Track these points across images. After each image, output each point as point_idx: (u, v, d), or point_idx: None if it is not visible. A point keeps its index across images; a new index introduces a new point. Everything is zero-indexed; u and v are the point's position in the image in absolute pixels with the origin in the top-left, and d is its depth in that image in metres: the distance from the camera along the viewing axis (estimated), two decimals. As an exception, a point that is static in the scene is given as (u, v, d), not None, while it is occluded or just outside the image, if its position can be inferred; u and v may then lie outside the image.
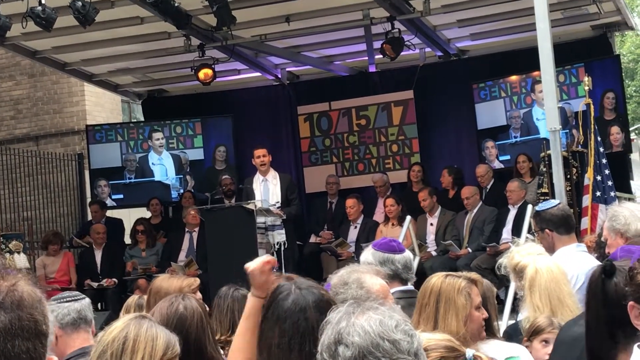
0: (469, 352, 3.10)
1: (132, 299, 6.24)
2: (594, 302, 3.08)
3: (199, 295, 4.92)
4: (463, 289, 4.01)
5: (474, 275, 4.23)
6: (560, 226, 6.06)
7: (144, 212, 15.09)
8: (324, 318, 2.97)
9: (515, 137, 13.93)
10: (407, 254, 5.15)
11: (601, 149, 10.41)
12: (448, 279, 4.08)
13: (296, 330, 3.05)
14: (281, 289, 3.20)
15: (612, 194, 10.10)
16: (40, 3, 10.86)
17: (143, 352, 3.27)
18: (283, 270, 11.07)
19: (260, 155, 12.51)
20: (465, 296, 4.00)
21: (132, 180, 15.49)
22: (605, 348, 3.00)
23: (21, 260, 13.69)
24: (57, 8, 11.03)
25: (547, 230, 6.08)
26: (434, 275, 4.22)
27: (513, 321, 6.65)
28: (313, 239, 13.78)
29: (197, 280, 5.09)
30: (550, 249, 5.87)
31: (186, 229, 13.51)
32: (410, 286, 5.17)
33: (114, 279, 13.25)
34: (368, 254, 5.13)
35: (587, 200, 9.83)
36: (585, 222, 9.32)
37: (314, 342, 3.01)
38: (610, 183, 10.20)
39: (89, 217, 15.74)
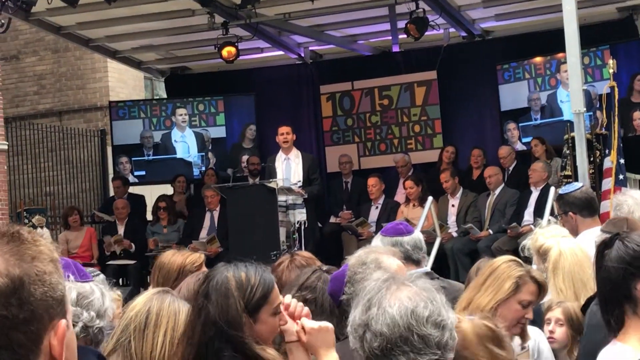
0: (466, 317, 3.15)
1: None
2: (596, 273, 3.21)
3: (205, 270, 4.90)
4: (516, 277, 4.01)
5: (538, 275, 4.21)
6: (584, 209, 6.04)
7: (166, 189, 15.12)
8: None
9: (535, 119, 13.87)
10: (416, 234, 5.13)
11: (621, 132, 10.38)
12: (511, 263, 4.10)
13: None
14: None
15: (622, 176, 10.05)
16: (65, -21, 10.88)
17: (166, 326, 3.30)
18: (303, 249, 11.09)
19: (284, 132, 12.50)
20: (513, 283, 3.99)
21: (154, 157, 15.53)
22: (615, 317, 3.08)
23: (44, 235, 13.75)
24: (82, -16, 11.05)
25: (570, 213, 6.07)
26: (504, 256, 4.29)
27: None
28: (333, 219, 13.78)
29: (202, 257, 5.02)
30: (574, 231, 5.85)
31: (207, 208, 13.52)
32: (426, 268, 5.17)
33: (132, 243, 13.34)
34: (377, 240, 5.15)
35: (609, 183, 9.78)
36: (607, 206, 9.27)
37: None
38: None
39: (111, 193, 15.80)
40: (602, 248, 3.18)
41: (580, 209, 6.05)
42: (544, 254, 5.08)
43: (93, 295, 3.36)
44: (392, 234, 5.07)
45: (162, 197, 14.13)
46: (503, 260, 4.10)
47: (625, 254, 3.09)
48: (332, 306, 3.74)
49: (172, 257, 4.99)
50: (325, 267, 4.07)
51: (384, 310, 2.32)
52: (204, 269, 4.86)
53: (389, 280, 2.40)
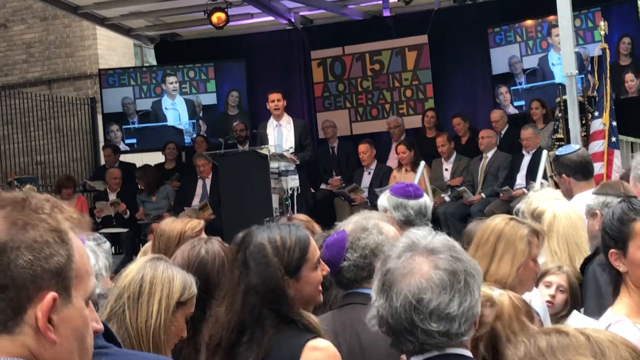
0: (496, 292, 3.13)
1: (148, 245, 6.23)
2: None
3: (203, 236, 4.88)
4: (525, 236, 3.98)
5: (537, 226, 4.18)
6: (578, 172, 6.03)
7: (157, 157, 15.08)
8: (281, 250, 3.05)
9: (520, 84, 13.84)
10: (423, 200, 5.11)
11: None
12: (512, 222, 4.04)
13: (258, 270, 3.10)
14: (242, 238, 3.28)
15: (614, 139, 10.04)
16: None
17: (160, 293, 3.28)
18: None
19: (275, 99, 12.44)
20: (526, 243, 3.97)
21: (145, 125, 15.47)
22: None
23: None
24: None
25: (564, 175, 6.06)
26: (497, 216, 4.21)
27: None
28: (323, 185, 13.76)
29: (201, 223, 5.01)
30: (568, 193, 5.85)
31: (198, 176, 13.50)
32: None
33: (125, 206, 13.36)
34: (384, 198, 5.12)
35: (602, 145, 9.77)
36: (600, 168, 9.27)
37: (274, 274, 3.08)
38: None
39: (102, 162, 15.76)
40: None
41: (574, 171, 6.04)
42: (538, 217, 5.07)
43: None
44: (399, 194, 5.04)
45: (137, 169, 14.14)
46: (503, 221, 4.04)
47: (602, 225, 3.16)
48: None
49: (172, 224, 4.97)
50: (325, 233, 4.03)
51: (391, 301, 2.30)
52: (203, 235, 4.83)
53: (408, 254, 2.34)
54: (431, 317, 2.26)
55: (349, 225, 3.86)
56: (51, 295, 1.64)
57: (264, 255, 3.16)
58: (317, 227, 4.91)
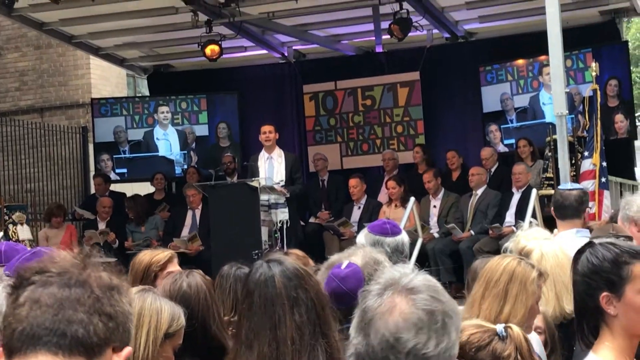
0: (499, 326, 3.15)
1: None
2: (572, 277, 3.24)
3: (177, 268, 4.84)
4: (534, 278, 4.00)
5: (542, 268, 4.21)
6: (557, 210, 6.10)
7: (147, 187, 15.10)
8: (293, 283, 3.01)
9: (511, 121, 13.93)
10: (400, 237, 5.11)
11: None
12: (523, 263, 4.04)
13: (264, 298, 3.06)
14: (252, 268, 3.22)
15: (604, 179, 10.11)
16: (49, -25, 10.84)
17: (148, 325, 3.29)
18: (285, 249, 11.08)
19: (267, 131, 12.47)
20: (536, 286, 3.99)
21: (136, 155, 15.49)
22: (588, 327, 3.14)
23: (24, 231, 13.71)
24: (66, -20, 11.01)
25: (551, 209, 6.16)
26: (504, 255, 4.20)
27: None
28: (312, 219, 13.77)
29: (168, 256, 4.92)
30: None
31: (188, 206, 13.50)
32: None
33: (114, 236, 13.38)
34: (362, 235, 5.15)
35: (593, 185, 9.83)
36: (591, 207, 9.31)
37: (282, 306, 3.04)
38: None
39: (92, 190, 15.75)
40: (575, 259, 3.21)
41: (555, 209, 6.12)
42: (525, 256, 5.08)
43: None
44: (376, 232, 5.06)
45: (126, 199, 14.14)
46: (514, 262, 4.05)
47: (587, 267, 3.12)
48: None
49: (141, 257, 4.95)
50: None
51: (368, 339, 2.30)
52: (171, 268, 4.82)
53: (388, 292, 2.34)
54: (407, 356, 2.25)
55: (354, 258, 3.86)
56: (129, 350, 1.93)
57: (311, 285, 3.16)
58: (311, 263, 4.92)
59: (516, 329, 3.21)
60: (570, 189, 6.23)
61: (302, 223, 13.13)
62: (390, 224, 5.17)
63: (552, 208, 6.18)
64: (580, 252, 3.21)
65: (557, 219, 6.11)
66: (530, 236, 5.22)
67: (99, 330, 1.87)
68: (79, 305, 1.86)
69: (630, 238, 5.01)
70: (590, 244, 3.22)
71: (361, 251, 3.94)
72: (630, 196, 5.77)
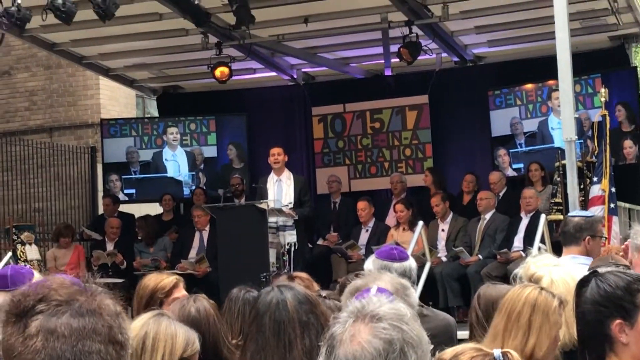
0: (497, 351, 3.14)
1: None
2: (575, 308, 3.23)
3: (183, 293, 4.82)
4: (556, 307, 4.00)
5: (562, 296, 4.20)
6: (560, 235, 6.17)
7: (155, 208, 15.11)
8: (305, 307, 2.99)
9: (520, 145, 13.93)
10: (408, 262, 5.11)
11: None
12: (544, 293, 4.03)
13: (275, 321, 3.05)
14: (262, 292, 3.21)
15: (612, 205, 10.11)
16: (60, -4, 10.89)
17: (163, 350, 3.28)
18: (292, 271, 11.08)
19: (275, 153, 12.50)
20: (557, 316, 3.99)
21: (145, 176, 15.51)
22: (594, 357, 3.11)
23: (32, 251, 13.73)
24: (77, 2, 11.07)
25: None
26: (525, 285, 4.18)
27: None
28: (320, 241, 13.77)
29: (173, 282, 4.90)
30: None
31: (195, 228, 13.50)
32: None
33: (122, 258, 13.39)
34: (370, 261, 5.16)
35: (602, 211, 9.82)
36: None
37: (294, 329, 3.03)
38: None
39: (100, 211, 15.77)
40: (580, 287, 3.19)
41: (561, 232, 6.17)
42: (535, 282, 5.09)
43: None
44: (384, 257, 5.07)
45: (137, 218, 14.15)
46: (535, 292, 4.04)
47: (597, 294, 3.10)
48: None
49: (146, 282, 4.92)
50: (324, 293, 4.04)
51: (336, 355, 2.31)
52: (177, 293, 4.80)
53: (351, 320, 2.36)
54: None
55: (380, 283, 3.87)
56: None
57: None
58: (315, 286, 4.93)
59: (515, 355, 3.20)
60: (573, 216, 6.25)
61: (309, 245, 13.12)
62: (397, 250, 5.18)
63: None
64: (585, 281, 3.20)
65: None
66: (540, 262, 5.22)
67: (112, 359, 1.88)
68: (95, 335, 1.86)
69: (628, 267, 5.01)
70: (595, 273, 3.21)
71: (386, 276, 3.94)
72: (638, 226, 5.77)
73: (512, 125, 14.00)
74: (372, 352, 2.25)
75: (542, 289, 4.12)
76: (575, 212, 6.49)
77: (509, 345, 3.89)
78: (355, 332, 2.29)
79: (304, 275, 4.92)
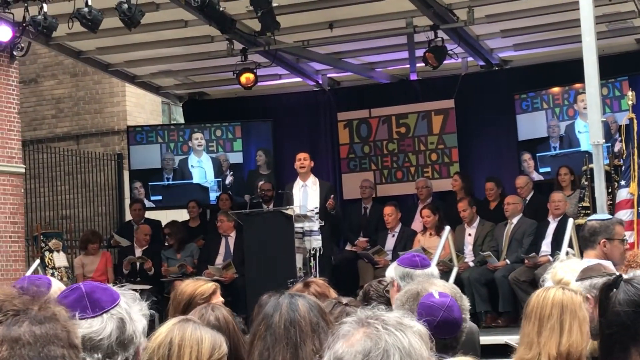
0: None
1: None
2: (600, 315, 3.14)
3: (220, 299, 4.85)
4: (582, 303, 4.00)
5: (579, 289, 4.21)
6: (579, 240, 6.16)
7: (182, 214, 15.14)
8: (315, 311, 2.98)
9: (554, 148, 13.84)
10: (429, 269, 5.10)
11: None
12: (567, 291, 4.05)
13: (286, 320, 3.03)
14: (269, 300, 3.19)
15: None
16: (86, 4, 10.97)
17: (189, 356, 3.27)
18: (317, 276, 11.07)
19: (302, 158, 12.49)
20: (584, 311, 3.99)
21: (171, 182, 15.56)
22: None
23: (60, 259, 13.80)
24: (103, 9, 11.13)
25: None
26: (547, 287, 4.18)
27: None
28: (349, 246, 13.74)
29: (212, 288, 4.90)
30: None
31: (220, 233, 13.52)
32: None
33: (152, 263, 13.44)
34: (392, 268, 5.14)
35: (631, 214, 9.76)
36: (630, 236, 9.24)
37: (304, 328, 3.00)
38: None
39: (127, 217, 15.82)
40: (606, 290, 3.16)
41: (579, 237, 6.16)
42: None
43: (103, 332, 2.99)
44: (406, 264, 5.06)
45: (167, 224, 14.18)
46: (558, 292, 4.03)
47: (636, 295, 3.07)
48: None
49: (184, 287, 4.93)
50: (344, 300, 4.01)
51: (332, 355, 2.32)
52: (215, 299, 4.81)
53: (355, 324, 2.36)
54: None
55: (436, 288, 3.87)
56: None
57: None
58: (332, 293, 4.90)
59: None
60: (591, 219, 6.20)
61: (337, 250, 13.12)
62: (419, 257, 5.17)
63: None
64: (609, 285, 3.16)
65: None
66: (567, 267, 5.19)
67: None
68: (57, 340, 1.91)
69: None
70: (621, 277, 3.18)
71: (438, 281, 3.96)
72: None
73: (550, 128, 13.87)
74: (357, 348, 2.26)
75: (563, 287, 4.12)
76: (594, 216, 6.43)
77: (545, 350, 3.90)
78: (352, 334, 2.30)
79: (320, 281, 4.89)
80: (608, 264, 5.96)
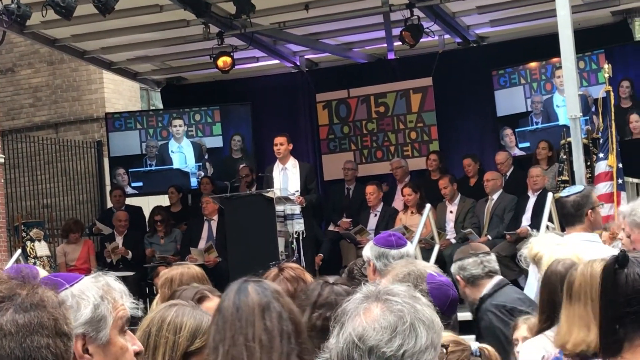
0: (474, 344, 3.12)
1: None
2: (605, 295, 2.94)
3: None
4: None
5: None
6: (559, 218, 6.15)
7: (163, 200, 15.12)
8: (268, 293, 3.00)
9: (536, 123, 13.87)
10: (405, 249, 5.09)
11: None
12: (595, 264, 3.76)
13: (234, 303, 3.03)
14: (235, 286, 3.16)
15: (620, 180, 10.08)
16: (59, -8, 10.89)
17: (164, 347, 3.23)
18: (302, 259, 11.09)
19: (278, 143, 12.44)
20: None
21: (152, 168, 15.52)
22: (614, 342, 2.95)
23: (42, 248, 13.77)
24: (77, -4, 11.06)
25: None
26: (589, 262, 3.88)
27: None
28: (331, 227, 13.75)
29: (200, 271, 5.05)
30: None
31: (204, 217, 13.51)
32: None
33: (129, 250, 13.41)
34: (368, 248, 5.14)
35: (610, 187, 9.80)
36: (610, 209, 9.28)
37: (252, 310, 3.01)
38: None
39: (108, 205, 15.79)
40: (611, 268, 3.00)
41: (561, 216, 6.16)
42: (538, 262, 5.08)
43: None
44: (381, 244, 5.06)
45: (157, 210, 14.13)
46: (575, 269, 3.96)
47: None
48: None
49: (171, 272, 4.99)
50: (331, 279, 3.99)
51: (338, 341, 2.30)
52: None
53: (366, 300, 2.35)
54: (370, 355, 2.23)
55: (429, 268, 3.90)
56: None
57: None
58: (308, 276, 4.89)
59: (492, 350, 3.18)
60: (567, 195, 6.19)
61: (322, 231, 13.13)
62: (395, 236, 5.16)
63: None
64: (612, 263, 3.02)
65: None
66: (542, 242, 5.21)
67: (61, 351, 1.87)
68: (42, 329, 1.85)
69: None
70: (624, 254, 3.04)
71: (421, 262, 4.01)
72: (635, 201, 5.74)
73: (533, 103, 13.89)
74: (383, 323, 2.24)
75: (602, 259, 3.94)
76: (565, 191, 6.40)
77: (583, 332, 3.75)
78: (367, 310, 2.29)
79: (294, 265, 4.88)
80: (594, 237, 5.98)
